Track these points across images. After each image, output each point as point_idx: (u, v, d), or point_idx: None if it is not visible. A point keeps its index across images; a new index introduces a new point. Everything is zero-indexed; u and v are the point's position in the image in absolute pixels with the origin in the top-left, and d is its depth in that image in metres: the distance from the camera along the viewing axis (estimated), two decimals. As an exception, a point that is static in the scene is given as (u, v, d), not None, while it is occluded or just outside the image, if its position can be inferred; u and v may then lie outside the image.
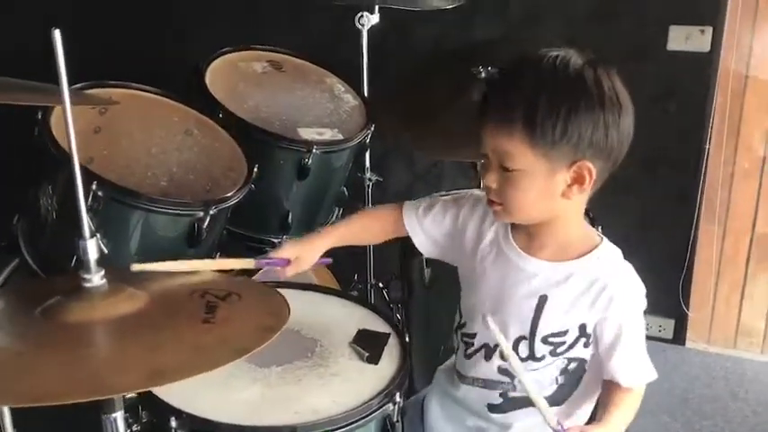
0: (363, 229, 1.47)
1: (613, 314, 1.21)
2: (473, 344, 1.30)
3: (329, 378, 1.27)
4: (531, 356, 1.25)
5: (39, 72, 1.29)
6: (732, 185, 2.58)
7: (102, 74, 1.75)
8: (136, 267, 1.14)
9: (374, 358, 1.31)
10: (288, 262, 1.32)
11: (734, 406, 2.43)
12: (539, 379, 1.25)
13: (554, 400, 1.25)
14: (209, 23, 2.86)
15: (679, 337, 2.72)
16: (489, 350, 1.28)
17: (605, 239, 1.26)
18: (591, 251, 1.23)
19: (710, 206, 2.58)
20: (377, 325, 1.43)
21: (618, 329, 1.22)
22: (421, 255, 1.78)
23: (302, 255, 1.33)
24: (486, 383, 1.30)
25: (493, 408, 1.31)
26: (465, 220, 1.33)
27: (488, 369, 1.29)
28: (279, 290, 1.20)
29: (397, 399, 1.25)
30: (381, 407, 1.22)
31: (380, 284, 2.32)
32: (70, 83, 0.98)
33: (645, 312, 1.25)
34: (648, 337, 1.26)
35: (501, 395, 1.29)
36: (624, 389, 1.23)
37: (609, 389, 1.25)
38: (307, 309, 1.44)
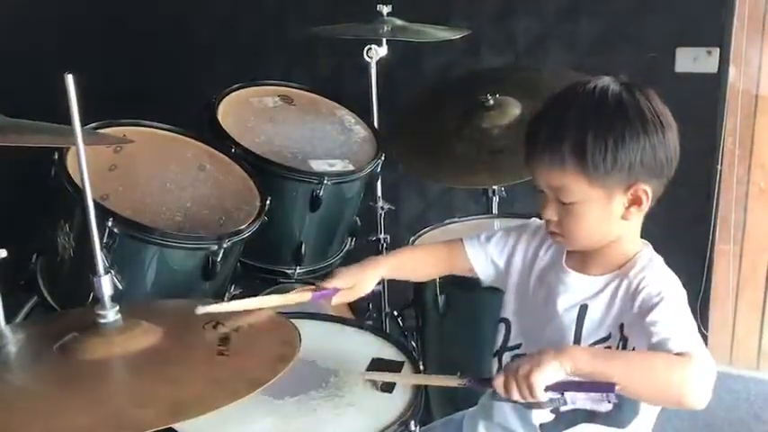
0: (415, 260, 1.49)
1: (641, 303, 1.16)
2: None
3: (344, 408, 1.27)
4: None
5: (56, 112, 1.32)
6: (747, 205, 2.56)
7: (115, 112, 1.78)
8: (201, 310, 1.15)
9: (389, 387, 1.31)
10: (337, 291, 1.32)
11: (758, 429, 2.38)
12: (592, 396, 1.16)
13: (614, 421, 1.22)
14: (220, 60, 2.91)
15: (699, 359, 2.68)
16: None
17: (648, 246, 1.27)
18: (631, 259, 1.24)
19: (726, 226, 2.56)
20: (391, 354, 1.43)
21: (647, 313, 1.13)
22: (434, 282, 1.81)
23: (358, 283, 1.33)
24: (541, 404, 1.29)
25: (545, 427, 1.29)
26: (523, 245, 1.37)
27: None
28: (293, 320, 1.21)
29: (412, 427, 1.24)
30: (397, 436, 1.22)
31: (394, 313, 2.32)
32: (84, 122, 1.01)
33: None
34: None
35: (553, 411, 1.26)
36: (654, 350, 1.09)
37: None
38: (321, 339, 1.45)
